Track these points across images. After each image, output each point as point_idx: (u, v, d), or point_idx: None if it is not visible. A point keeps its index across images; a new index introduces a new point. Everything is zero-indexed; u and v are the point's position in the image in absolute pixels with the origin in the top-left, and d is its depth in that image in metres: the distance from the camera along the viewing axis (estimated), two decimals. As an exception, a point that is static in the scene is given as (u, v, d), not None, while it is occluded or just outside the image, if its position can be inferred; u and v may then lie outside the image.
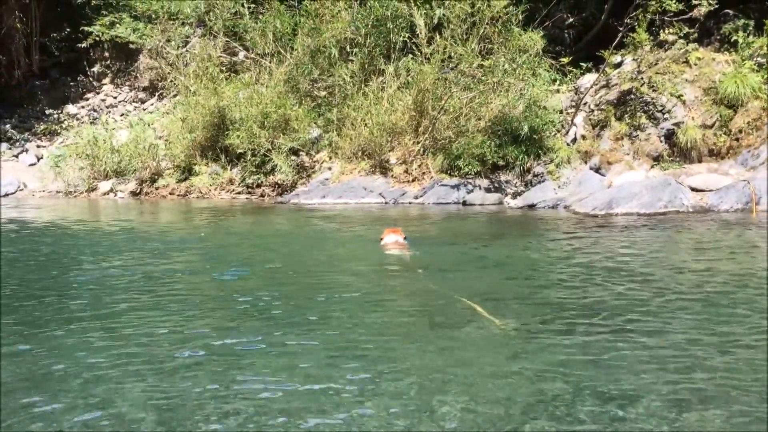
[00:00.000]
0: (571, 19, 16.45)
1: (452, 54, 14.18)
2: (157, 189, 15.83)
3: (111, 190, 16.07)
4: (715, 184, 11.50)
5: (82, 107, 19.54)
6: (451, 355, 4.40)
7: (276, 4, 16.51)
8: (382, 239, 7.93)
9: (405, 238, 7.86)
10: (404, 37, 15.05)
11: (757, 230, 9.26)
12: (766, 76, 12.67)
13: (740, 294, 5.80)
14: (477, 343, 4.64)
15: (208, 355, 4.38)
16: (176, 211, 13.62)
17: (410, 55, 15.01)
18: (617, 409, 3.55)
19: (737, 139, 12.41)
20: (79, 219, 12.47)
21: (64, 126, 18.70)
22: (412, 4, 14.88)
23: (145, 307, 5.62)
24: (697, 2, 12.95)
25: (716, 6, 13.10)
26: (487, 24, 14.26)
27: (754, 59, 12.98)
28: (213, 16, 17.37)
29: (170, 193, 15.57)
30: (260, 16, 16.86)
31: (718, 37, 13.98)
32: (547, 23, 15.16)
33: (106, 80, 20.02)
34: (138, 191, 15.84)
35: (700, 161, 12.42)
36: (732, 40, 13.51)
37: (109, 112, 19.18)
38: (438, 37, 14.43)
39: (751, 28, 13.49)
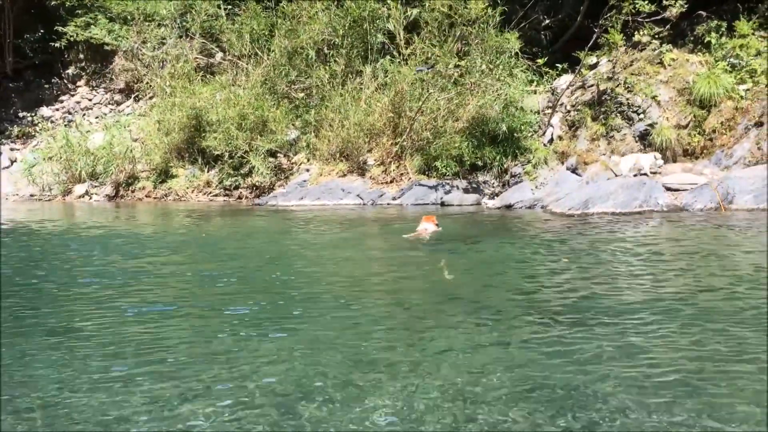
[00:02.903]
0: (547, 21, 16.54)
1: (429, 55, 14.20)
2: (133, 192, 15.69)
3: (86, 194, 15.88)
4: (690, 184, 11.60)
5: (57, 110, 19.29)
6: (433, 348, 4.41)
7: (252, 6, 16.43)
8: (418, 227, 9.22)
9: (437, 225, 9.29)
10: (381, 38, 15.04)
11: (729, 228, 9.37)
12: (738, 77, 12.83)
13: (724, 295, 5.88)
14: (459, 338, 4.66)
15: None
16: (153, 214, 13.48)
17: (388, 57, 15.00)
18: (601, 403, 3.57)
19: (711, 139, 12.56)
20: (45, 222, 12.30)
21: (38, 129, 18.45)
22: (391, 5, 14.86)
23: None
24: (668, 3, 13.07)
25: (687, 6, 13.22)
26: (464, 25, 14.28)
27: (727, 60, 13.12)
28: (189, 17, 17.24)
29: (147, 196, 15.44)
30: (237, 18, 16.77)
31: (692, 39, 14.13)
32: (523, 24, 15.23)
33: (81, 82, 19.78)
34: (114, 194, 15.68)
35: (674, 161, 12.54)
36: (705, 41, 13.66)
37: (84, 114, 18.96)
38: (415, 38, 14.45)
39: (723, 29, 13.63)
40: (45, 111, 19.20)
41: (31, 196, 16.44)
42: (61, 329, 5.13)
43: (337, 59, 15.19)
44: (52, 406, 3.73)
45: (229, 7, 17.16)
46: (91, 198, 15.75)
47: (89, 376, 4.14)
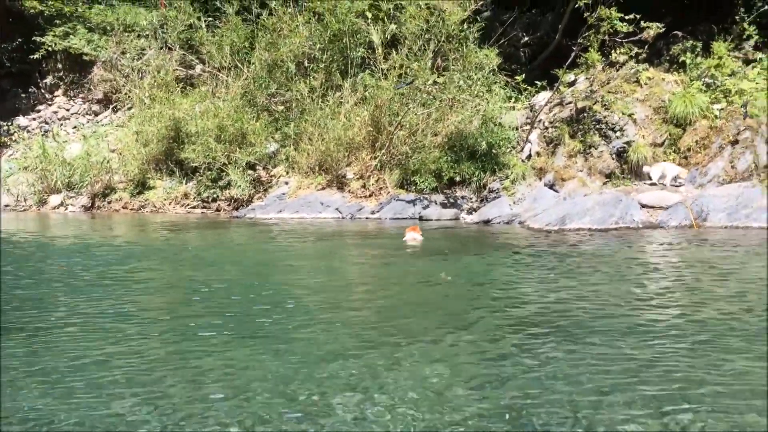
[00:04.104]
0: (526, 38, 16.71)
1: (408, 70, 14.27)
2: (109, 203, 15.55)
3: (62, 204, 15.71)
4: (665, 201, 11.73)
5: (34, 119, 19.10)
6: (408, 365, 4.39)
7: (233, 18, 16.43)
8: (404, 237, 9.98)
9: (421, 234, 10.00)
10: (362, 53, 15.10)
11: (699, 244, 9.48)
12: (713, 97, 13.02)
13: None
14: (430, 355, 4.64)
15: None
16: (129, 226, 13.34)
17: (367, 71, 15.05)
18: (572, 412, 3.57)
19: (686, 157, 12.71)
20: (20, 234, 12.14)
21: (14, 138, 18.25)
22: (369, 20, 14.94)
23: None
24: (646, 24, 13.26)
25: (664, 28, 13.42)
26: (444, 41, 14.39)
27: (702, 80, 13.33)
28: (168, 28, 17.19)
29: (123, 207, 15.30)
30: (217, 30, 16.76)
31: (668, 58, 14.35)
32: (502, 41, 15.36)
33: (59, 92, 19.61)
34: (90, 205, 15.53)
35: (650, 178, 12.67)
36: (680, 61, 13.88)
37: (62, 124, 18.78)
38: (395, 53, 14.51)
39: (698, 49, 13.86)
40: (21, 120, 19.00)
41: (6, 206, 16.21)
42: (27, 336, 5.06)
43: (317, 73, 15.21)
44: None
45: (210, 18, 17.15)
46: (66, 209, 15.58)
47: (49, 383, 4.09)
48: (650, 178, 12.41)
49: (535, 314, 5.78)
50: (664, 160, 12.75)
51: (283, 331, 5.26)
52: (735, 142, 12.35)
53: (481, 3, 14.84)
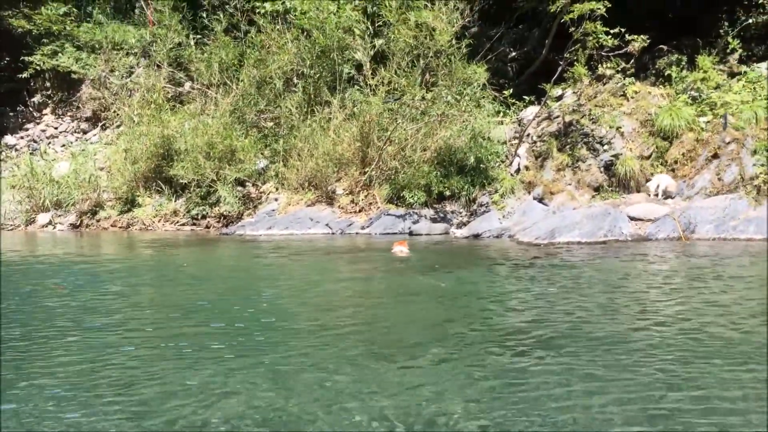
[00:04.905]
0: (513, 53, 16.83)
1: (396, 86, 14.31)
2: (98, 221, 15.47)
3: (50, 223, 15.62)
4: (653, 214, 11.79)
5: (21, 138, 19.04)
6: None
7: (221, 35, 16.48)
8: (392, 249, 10.46)
9: (408, 248, 10.42)
10: (350, 68, 15.15)
11: (687, 257, 9.53)
12: (698, 110, 13.13)
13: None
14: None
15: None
16: (118, 244, 13.28)
17: (356, 86, 15.10)
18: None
19: (673, 170, 12.79)
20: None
21: (1, 157, 18.17)
22: (356, 36, 15.01)
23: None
24: (631, 38, 13.38)
25: (649, 42, 13.55)
26: (432, 57, 14.47)
27: (688, 93, 13.45)
28: (157, 47, 17.23)
29: (112, 225, 15.23)
30: (205, 47, 16.80)
31: (654, 72, 14.47)
32: (490, 57, 15.46)
33: (47, 110, 19.58)
34: (78, 223, 15.45)
35: (638, 191, 12.74)
36: (666, 74, 14.01)
37: (50, 142, 18.73)
38: (383, 69, 14.57)
39: (684, 63, 14.00)
40: (9, 139, 18.94)
41: (-7, 226, 16.10)
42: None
43: (305, 88, 15.23)
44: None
45: (198, 36, 17.20)
46: (54, 227, 15.48)
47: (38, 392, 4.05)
48: (656, 191, 12.43)
49: (522, 327, 5.78)
50: (652, 173, 12.84)
51: (266, 346, 5.23)
52: (720, 155, 12.43)
53: (468, 19, 14.96)
